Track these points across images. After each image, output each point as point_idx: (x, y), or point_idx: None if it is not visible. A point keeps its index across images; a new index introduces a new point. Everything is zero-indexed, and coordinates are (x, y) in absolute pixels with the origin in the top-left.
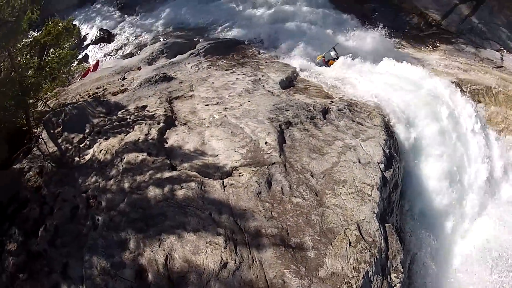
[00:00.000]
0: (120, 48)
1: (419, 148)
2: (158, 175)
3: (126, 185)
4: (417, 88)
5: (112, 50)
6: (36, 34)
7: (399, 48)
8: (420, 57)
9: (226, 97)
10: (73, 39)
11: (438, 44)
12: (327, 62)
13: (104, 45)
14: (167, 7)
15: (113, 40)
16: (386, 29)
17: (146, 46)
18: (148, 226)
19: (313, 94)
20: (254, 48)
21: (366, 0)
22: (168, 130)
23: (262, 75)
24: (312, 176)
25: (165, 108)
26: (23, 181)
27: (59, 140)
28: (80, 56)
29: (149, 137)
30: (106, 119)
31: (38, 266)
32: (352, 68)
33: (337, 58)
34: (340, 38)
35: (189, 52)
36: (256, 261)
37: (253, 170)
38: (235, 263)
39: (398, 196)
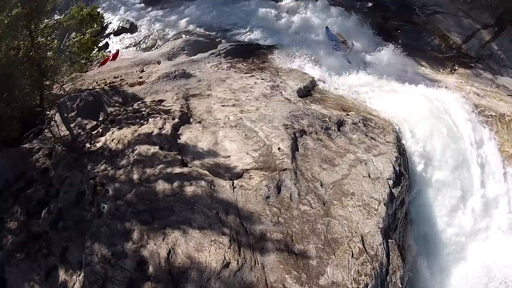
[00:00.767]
0: (141, 40)
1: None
2: (169, 170)
3: (135, 176)
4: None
5: (133, 42)
6: (58, 17)
7: (419, 68)
8: (438, 79)
9: (243, 100)
10: (96, 26)
11: (456, 68)
12: (342, 42)
13: (126, 36)
14: (192, 5)
15: (135, 32)
16: (407, 48)
17: (168, 41)
18: (154, 219)
19: (329, 105)
20: (275, 54)
21: (390, 17)
22: (182, 127)
23: (281, 82)
24: (321, 185)
25: (181, 105)
26: (31, 161)
27: (72, 125)
28: (100, 44)
29: (163, 131)
30: (121, 109)
31: (37, 247)
32: (371, 84)
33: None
34: (362, 53)
35: (210, 52)
36: (258, 264)
37: (263, 174)
38: (238, 264)
39: (404, 214)
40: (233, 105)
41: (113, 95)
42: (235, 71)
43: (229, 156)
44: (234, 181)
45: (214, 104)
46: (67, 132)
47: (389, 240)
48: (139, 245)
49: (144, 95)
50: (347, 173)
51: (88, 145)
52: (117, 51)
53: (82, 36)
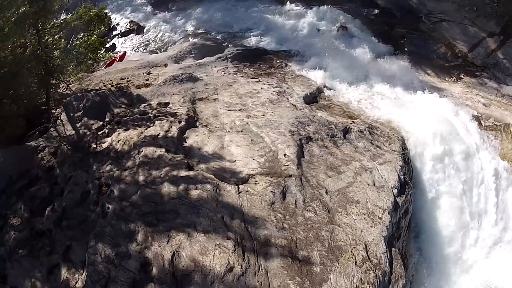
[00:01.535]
0: (148, 43)
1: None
2: (174, 173)
3: (141, 178)
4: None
5: (140, 43)
6: (65, 16)
7: (424, 76)
8: (444, 87)
9: (250, 105)
10: (103, 27)
11: (462, 76)
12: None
13: (133, 37)
14: (200, 8)
15: (142, 34)
16: (413, 56)
17: (175, 44)
18: (159, 221)
19: (335, 112)
20: (281, 60)
21: (396, 25)
22: (188, 130)
23: (287, 88)
24: (326, 193)
25: (187, 108)
26: (36, 159)
27: (78, 125)
28: (107, 45)
29: (169, 134)
30: (128, 111)
31: (40, 245)
32: (376, 92)
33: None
34: (368, 61)
35: (216, 56)
36: (262, 269)
37: (269, 180)
38: (241, 268)
39: (407, 223)
40: (240, 110)
41: (119, 96)
42: (242, 76)
43: (235, 160)
44: (240, 186)
45: (220, 108)
46: (73, 132)
47: (393, 249)
48: (143, 247)
49: (150, 97)
50: (352, 181)
51: (93, 145)
52: (124, 53)
53: (89, 36)
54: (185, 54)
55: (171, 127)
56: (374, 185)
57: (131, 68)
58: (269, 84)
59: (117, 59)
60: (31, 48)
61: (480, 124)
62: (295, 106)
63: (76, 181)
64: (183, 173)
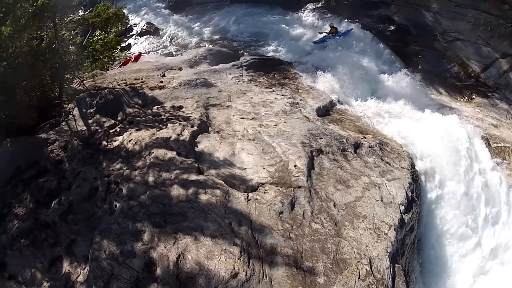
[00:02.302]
0: (164, 45)
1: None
2: (184, 176)
3: (151, 178)
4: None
5: (156, 45)
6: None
7: (437, 94)
8: (455, 107)
9: (263, 114)
10: (120, 26)
11: (474, 96)
12: (330, 32)
13: (149, 39)
14: (218, 15)
15: (158, 36)
16: (426, 74)
17: (190, 49)
18: (166, 223)
19: (347, 126)
20: (296, 71)
21: (411, 42)
22: (200, 135)
23: (300, 99)
24: (334, 206)
25: (201, 113)
26: (46, 152)
27: (90, 121)
28: (123, 44)
29: (181, 138)
30: (141, 111)
31: (43, 236)
32: (389, 108)
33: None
34: (382, 77)
35: (232, 63)
36: (266, 277)
37: (278, 190)
38: (246, 275)
39: (412, 240)
40: (252, 118)
41: (133, 96)
42: (256, 85)
43: (245, 168)
44: (249, 193)
45: (233, 115)
46: (84, 128)
47: (396, 265)
48: (149, 247)
49: (164, 100)
50: (361, 196)
51: (104, 142)
52: (140, 54)
53: (106, 34)
54: (200, 59)
55: (183, 130)
56: (382, 201)
57: (146, 69)
58: (282, 95)
59: (132, 59)
60: (47, 41)
61: (489, 145)
62: (307, 118)
63: (85, 176)
64: (193, 177)
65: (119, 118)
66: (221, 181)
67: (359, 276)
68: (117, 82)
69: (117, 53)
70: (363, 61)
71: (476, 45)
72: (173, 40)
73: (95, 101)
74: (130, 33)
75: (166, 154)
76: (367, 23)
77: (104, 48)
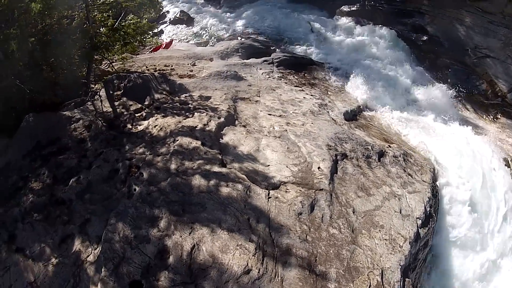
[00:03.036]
0: (195, 35)
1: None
2: (207, 167)
3: (173, 166)
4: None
5: (187, 34)
6: None
7: (463, 110)
8: (480, 125)
9: (291, 113)
10: (153, 12)
11: (499, 116)
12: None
13: (181, 27)
14: (252, 8)
15: (191, 25)
16: (455, 89)
17: (223, 41)
18: (184, 212)
19: (372, 133)
20: (326, 72)
21: (443, 54)
22: (226, 127)
23: (329, 101)
24: (353, 212)
25: (228, 105)
26: (68, 129)
27: (116, 103)
28: (155, 30)
29: (207, 128)
30: (168, 98)
31: (57, 213)
32: (416, 120)
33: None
34: (411, 87)
35: (263, 58)
36: (278, 277)
37: (300, 190)
38: (258, 272)
39: (425, 256)
40: (280, 115)
41: (161, 83)
42: (286, 82)
43: (269, 165)
44: (270, 191)
45: (261, 111)
46: (110, 109)
47: (406, 279)
48: (164, 234)
49: (192, 89)
50: (380, 205)
51: (129, 126)
52: (171, 41)
53: (138, 19)
54: (232, 51)
55: (209, 121)
56: (400, 212)
57: (176, 57)
58: (311, 95)
59: (163, 46)
60: (78, 21)
61: (508, 167)
62: (335, 121)
63: (106, 157)
64: (216, 168)
65: (146, 102)
66: (243, 176)
67: (370, 286)
68: (146, 67)
69: (148, 38)
70: (394, 69)
71: (506, 64)
72: (205, 31)
73: (123, 84)
74: (163, 20)
75: (191, 143)
76: (400, 31)
77: (136, 32)
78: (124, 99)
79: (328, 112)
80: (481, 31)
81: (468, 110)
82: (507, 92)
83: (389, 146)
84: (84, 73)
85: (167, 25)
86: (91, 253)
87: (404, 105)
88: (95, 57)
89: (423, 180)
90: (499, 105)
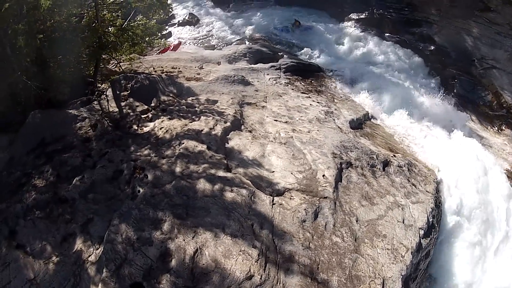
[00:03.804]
0: (204, 37)
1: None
2: (212, 171)
3: (178, 169)
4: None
5: (195, 37)
6: None
7: (468, 121)
8: (485, 136)
9: (297, 119)
10: (163, 14)
11: (503, 128)
12: (293, 24)
13: (189, 29)
14: (260, 13)
15: (199, 28)
16: (460, 99)
17: (230, 45)
18: (188, 215)
19: (378, 142)
20: (333, 80)
21: (449, 65)
22: (232, 132)
23: (335, 109)
24: (357, 221)
25: (235, 110)
26: (74, 128)
27: (123, 104)
28: (164, 32)
29: (213, 132)
30: (175, 100)
31: (60, 211)
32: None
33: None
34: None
35: (270, 64)
36: (280, 284)
37: (304, 198)
38: (261, 279)
39: (426, 266)
40: (286, 122)
41: (168, 85)
42: (293, 89)
43: (274, 171)
44: (275, 197)
45: (267, 116)
46: (116, 109)
47: None
48: (167, 237)
49: (199, 92)
50: (383, 214)
51: (135, 127)
52: (179, 43)
53: (147, 20)
54: (239, 56)
55: (216, 125)
56: (403, 222)
57: (184, 59)
58: (318, 102)
59: (171, 48)
60: (87, 19)
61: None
62: (340, 129)
63: (111, 158)
64: (221, 173)
65: (152, 104)
66: (248, 181)
67: None
68: (153, 69)
69: (156, 39)
70: (401, 79)
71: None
72: (213, 34)
73: (130, 84)
74: (172, 22)
75: (196, 146)
76: (408, 40)
77: (145, 33)
78: (131, 99)
79: (334, 119)
80: (488, 42)
81: (473, 121)
82: None
83: (394, 155)
84: (91, 72)
85: (175, 27)
86: (93, 253)
87: (410, 114)
88: (103, 56)
89: (426, 191)
90: (504, 116)
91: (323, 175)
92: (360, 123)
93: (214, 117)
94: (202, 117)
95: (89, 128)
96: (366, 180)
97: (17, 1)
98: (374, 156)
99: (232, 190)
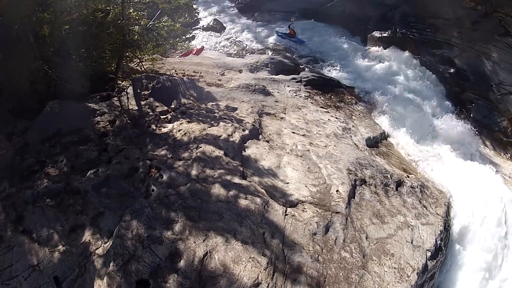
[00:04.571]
0: (226, 44)
1: None
2: (228, 177)
3: (194, 172)
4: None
5: (218, 43)
6: None
7: (482, 147)
8: (498, 162)
9: (314, 133)
10: (188, 17)
11: None
12: (288, 33)
13: (213, 35)
14: (284, 25)
15: (223, 34)
16: (476, 124)
17: (253, 54)
18: (200, 219)
19: (392, 162)
20: (352, 96)
21: (468, 88)
22: (249, 140)
23: (353, 126)
24: (366, 238)
25: (254, 119)
26: (92, 121)
27: (143, 103)
28: (188, 35)
29: (231, 139)
30: (195, 104)
31: (71, 201)
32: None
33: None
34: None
35: (291, 76)
36: None
37: (317, 211)
38: (268, 286)
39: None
40: (303, 135)
41: (189, 88)
42: (312, 102)
43: (288, 183)
44: (288, 208)
45: (285, 128)
46: (136, 108)
47: None
48: (178, 238)
49: (220, 98)
50: (393, 234)
51: (153, 126)
52: (202, 47)
53: (172, 22)
54: (261, 65)
55: (234, 132)
56: (411, 243)
57: (206, 64)
58: (336, 118)
59: (194, 52)
60: (112, 16)
61: None
62: (357, 146)
63: (127, 155)
64: (236, 180)
65: (172, 106)
66: (262, 190)
67: None
68: (175, 71)
69: (180, 42)
70: (419, 100)
71: None
72: (236, 41)
73: (151, 84)
74: (196, 26)
75: (214, 151)
76: (428, 61)
77: (169, 35)
78: (151, 99)
79: (351, 136)
80: (507, 67)
81: (487, 147)
82: None
83: (407, 176)
84: (112, 68)
85: (199, 31)
86: (101, 246)
87: (426, 136)
88: (126, 54)
89: (437, 213)
90: None
91: (337, 190)
92: (377, 142)
93: (233, 124)
94: (221, 123)
95: (107, 123)
96: (379, 199)
97: None
98: (388, 176)
99: (246, 197)
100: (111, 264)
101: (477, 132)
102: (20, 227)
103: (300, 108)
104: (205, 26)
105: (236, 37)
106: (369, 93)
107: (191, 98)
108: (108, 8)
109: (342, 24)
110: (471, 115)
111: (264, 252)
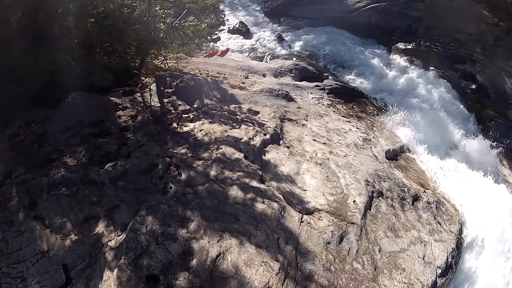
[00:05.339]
0: (251, 48)
1: None
2: (246, 180)
3: (213, 173)
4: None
5: (243, 46)
6: None
7: (499, 165)
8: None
9: (335, 142)
10: (214, 19)
11: None
12: (279, 37)
13: (238, 38)
14: (311, 32)
15: (248, 37)
16: (495, 143)
17: (277, 59)
18: (216, 219)
19: (410, 176)
20: (374, 107)
21: (488, 105)
22: (270, 145)
23: (373, 137)
24: (379, 251)
25: (276, 124)
26: (113, 115)
27: (165, 100)
28: (213, 36)
29: (252, 142)
30: (218, 105)
31: (87, 192)
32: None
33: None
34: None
35: (315, 83)
36: None
37: (333, 220)
38: None
39: None
40: (324, 143)
41: (213, 89)
42: (334, 111)
43: (306, 190)
44: (304, 215)
45: (306, 135)
46: (158, 105)
47: None
48: (192, 236)
49: (243, 101)
50: (406, 248)
51: (175, 124)
52: (227, 49)
53: (198, 22)
54: (285, 71)
55: (255, 136)
56: (423, 259)
57: (230, 66)
58: (357, 128)
59: (219, 53)
60: (139, 12)
61: None
62: (376, 157)
63: (147, 150)
64: (255, 183)
65: (195, 105)
66: (280, 195)
67: None
68: (199, 71)
69: (206, 43)
70: (440, 115)
71: None
72: (261, 45)
73: (175, 83)
74: (222, 28)
75: (234, 153)
76: (451, 76)
77: (195, 34)
78: (174, 97)
79: (371, 147)
80: None
81: (504, 166)
82: None
83: (424, 191)
84: (136, 64)
85: (225, 33)
86: (114, 238)
87: (445, 152)
88: (151, 51)
89: (450, 231)
90: None
91: (354, 201)
92: (396, 154)
93: (255, 127)
94: (242, 125)
95: (128, 118)
96: (394, 212)
97: None
98: (406, 189)
99: (263, 201)
100: (122, 257)
101: (494, 150)
102: (33, 213)
103: (322, 116)
104: (230, 28)
105: (261, 41)
106: (391, 105)
107: (214, 99)
108: (134, 4)
109: (367, 33)
110: (490, 133)
111: (277, 257)
